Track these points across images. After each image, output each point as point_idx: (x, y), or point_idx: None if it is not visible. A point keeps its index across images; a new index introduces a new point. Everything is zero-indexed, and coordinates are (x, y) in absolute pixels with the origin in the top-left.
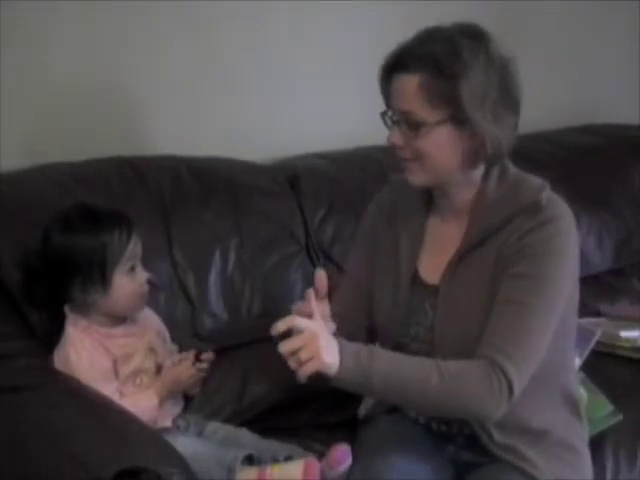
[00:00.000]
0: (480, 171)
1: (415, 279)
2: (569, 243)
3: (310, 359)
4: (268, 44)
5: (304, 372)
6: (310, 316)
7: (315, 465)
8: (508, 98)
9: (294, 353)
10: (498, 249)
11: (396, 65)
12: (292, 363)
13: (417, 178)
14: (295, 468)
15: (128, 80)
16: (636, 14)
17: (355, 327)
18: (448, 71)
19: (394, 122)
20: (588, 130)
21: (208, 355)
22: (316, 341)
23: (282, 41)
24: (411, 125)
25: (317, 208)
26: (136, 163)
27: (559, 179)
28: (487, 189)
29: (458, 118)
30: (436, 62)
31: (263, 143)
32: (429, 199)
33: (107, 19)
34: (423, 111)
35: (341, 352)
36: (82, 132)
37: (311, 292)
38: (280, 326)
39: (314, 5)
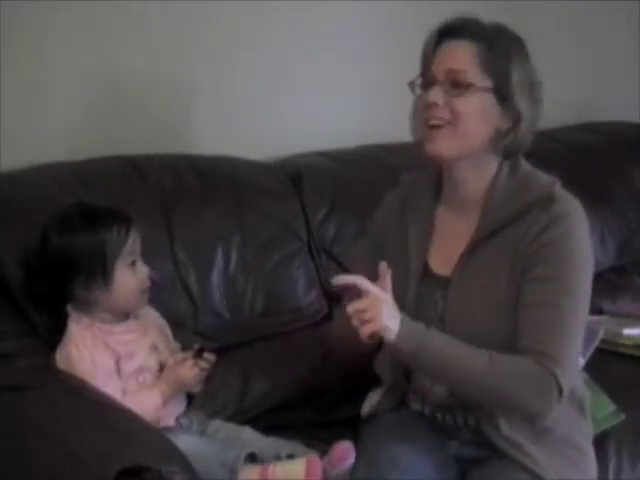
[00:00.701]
0: (494, 163)
1: (425, 271)
2: (584, 238)
3: (372, 320)
4: (268, 44)
5: (364, 331)
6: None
7: (317, 463)
8: (536, 95)
9: (359, 312)
10: (515, 244)
11: (451, 31)
12: (355, 321)
13: (443, 145)
14: (297, 466)
15: (129, 80)
16: (636, 14)
17: None
18: (503, 48)
19: (432, 84)
20: (589, 128)
21: (209, 356)
22: (380, 305)
23: (282, 41)
24: (457, 84)
25: (319, 206)
26: (137, 162)
27: (560, 177)
28: (498, 182)
29: (502, 93)
30: (492, 38)
31: (265, 142)
32: (438, 192)
33: (107, 20)
34: (473, 74)
35: (402, 321)
36: (83, 131)
37: (385, 267)
38: (342, 279)
39: (314, 5)
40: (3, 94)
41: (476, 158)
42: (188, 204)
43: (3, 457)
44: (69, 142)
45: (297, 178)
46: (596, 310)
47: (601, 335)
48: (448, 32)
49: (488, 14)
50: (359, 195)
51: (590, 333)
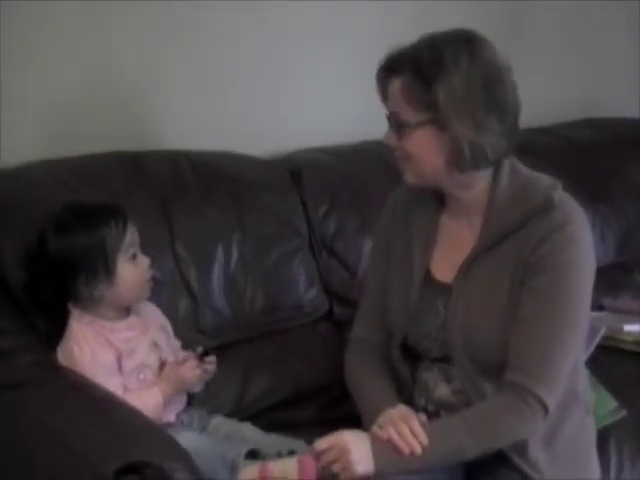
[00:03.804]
0: (485, 172)
1: (428, 277)
2: (585, 244)
3: (344, 469)
4: (269, 39)
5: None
6: None
7: (310, 461)
8: (493, 104)
9: (328, 466)
10: (517, 252)
11: (388, 69)
12: (326, 473)
13: (409, 178)
14: (290, 464)
15: (130, 77)
16: (636, 14)
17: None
18: (427, 75)
19: (390, 123)
20: (589, 124)
21: (211, 359)
22: (346, 455)
23: (282, 36)
24: (398, 126)
25: (320, 203)
26: (137, 158)
27: (560, 173)
28: (499, 189)
29: (438, 121)
30: (416, 66)
31: (265, 138)
32: (441, 197)
33: (108, 17)
34: (406, 112)
35: (373, 450)
36: (83, 128)
37: None
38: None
39: (314, 5)
40: (3, 91)
41: (444, 179)
42: (188, 200)
43: (3, 453)
44: (67, 138)
45: (297, 174)
46: (597, 306)
47: (602, 333)
48: (388, 68)
49: (488, 14)
50: (360, 191)
51: (591, 330)
